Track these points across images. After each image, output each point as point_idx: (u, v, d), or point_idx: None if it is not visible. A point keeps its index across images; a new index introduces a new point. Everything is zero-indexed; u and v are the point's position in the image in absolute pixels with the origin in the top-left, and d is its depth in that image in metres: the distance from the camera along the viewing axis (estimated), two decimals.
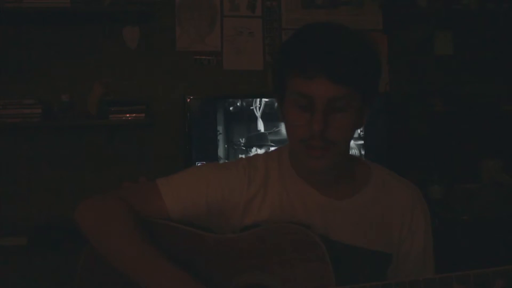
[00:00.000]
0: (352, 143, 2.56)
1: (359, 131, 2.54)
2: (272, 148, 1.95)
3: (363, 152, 2.60)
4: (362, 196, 1.16)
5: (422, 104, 2.83)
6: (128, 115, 2.59)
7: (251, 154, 2.49)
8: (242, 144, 2.59)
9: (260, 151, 2.51)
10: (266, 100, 2.57)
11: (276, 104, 1.17)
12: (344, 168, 1.15)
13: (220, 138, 2.57)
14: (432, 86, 2.86)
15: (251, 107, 2.59)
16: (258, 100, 2.58)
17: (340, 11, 2.81)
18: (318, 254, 1.05)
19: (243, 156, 2.51)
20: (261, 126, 2.59)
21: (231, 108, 2.60)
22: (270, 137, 2.59)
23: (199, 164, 2.43)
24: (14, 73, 2.60)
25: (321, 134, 1.05)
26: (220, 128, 2.57)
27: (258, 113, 2.59)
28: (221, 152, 2.57)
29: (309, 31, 1.09)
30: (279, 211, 1.14)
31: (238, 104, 2.60)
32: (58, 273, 2.17)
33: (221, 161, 2.51)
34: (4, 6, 2.41)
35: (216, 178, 1.17)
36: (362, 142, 2.61)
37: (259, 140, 2.59)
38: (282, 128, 2.23)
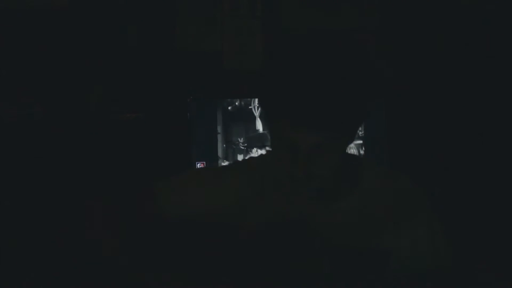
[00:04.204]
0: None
1: (358, 131, 2.54)
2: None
3: (362, 152, 2.60)
4: (354, 197, 1.16)
5: (422, 104, 2.82)
6: (128, 115, 2.59)
7: (250, 155, 2.49)
8: (241, 144, 2.59)
9: (261, 152, 2.52)
10: None
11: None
12: (336, 172, 1.14)
13: (219, 138, 2.57)
14: (432, 86, 2.85)
15: (250, 107, 2.59)
16: (256, 99, 2.59)
17: (340, 11, 2.81)
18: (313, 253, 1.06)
19: (242, 156, 2.51)
20: (259, 126, 2.59)
21: (229, 108, 2.60)
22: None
23: (197, 167, 2.45)
24: (13, 73, 2.61)
25: (307, 175, 1.03)
26: (219, 128, 2.58)
27: (256, 113, 2.59)
28: (219, 152, 2.57)
29: (292, 65, 1.02)
30: (274, 213, 1.14)
31: (236, 103, 2.60)
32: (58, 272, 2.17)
33: (220, 161, 2.51)
34: (2, 5, 2.42)
35: (212, 181, 1.18)
36: (361, 142, 2.61)
37: (260, 140, 2.59)
38: None
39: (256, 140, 2.59)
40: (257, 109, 2.59)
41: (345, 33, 2.70)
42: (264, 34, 2.75)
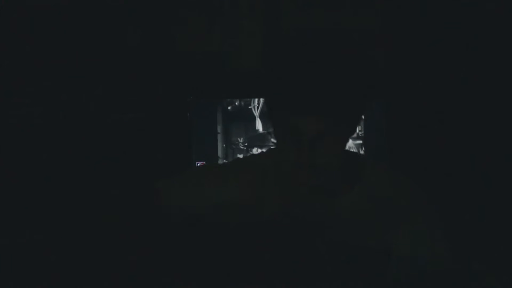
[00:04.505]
0: (351, 143, 2.58)
1: (358, 131, 2.54)
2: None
3: (362, 152, 2.60)
4: (355, 194, 1.16)
5: (422, 104, 2.82)
6: (128, 115, 2.60)
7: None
8: (241, 144, 2.60)
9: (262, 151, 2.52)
10: None
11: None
12: (338, 166, 1.15)
13: (219, 138, 2.58)
14: (432, 86, 2.85)
15: (250, 107, 2.59)
16: (256, 99, 2.59)
17: (340, 11, 2.81)
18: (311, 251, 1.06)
19: (241, 155, 2.52)
20: (259, 126, 2.59)
21: (229, 108, 2.61)
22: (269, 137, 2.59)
23: (198, 165, 2.45)
24: (13, 73, 2.61)
25: (310, 164, 1.03)
26: (219, 128, 2.58)
27: (256, 113, 2.59)
28: (219, 152, 2.58)
29: (291, 56, 1.04)
30: (275, 210, 1.15)
31: (236, 103, 2.61)
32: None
33: (220, 161, 2.51)
34: (3, 4, 2.43)
35: (212, 179, 1.18)
36: (361, 142, 2.61)
37: (260, 140, 2.59)
38: None
39: (256, 140, 2.59)
40: (257, 109, 2.59)
41: (344, 32, 2.69)
42: (264, 34, 2.75)
